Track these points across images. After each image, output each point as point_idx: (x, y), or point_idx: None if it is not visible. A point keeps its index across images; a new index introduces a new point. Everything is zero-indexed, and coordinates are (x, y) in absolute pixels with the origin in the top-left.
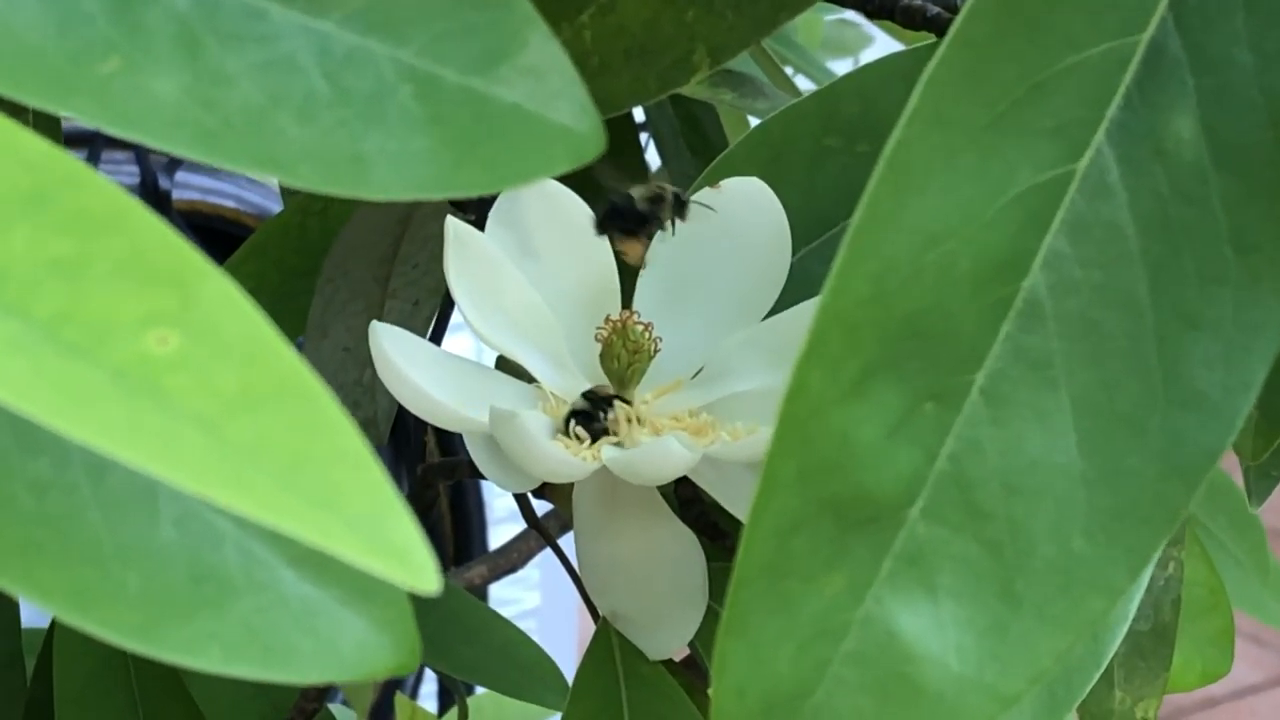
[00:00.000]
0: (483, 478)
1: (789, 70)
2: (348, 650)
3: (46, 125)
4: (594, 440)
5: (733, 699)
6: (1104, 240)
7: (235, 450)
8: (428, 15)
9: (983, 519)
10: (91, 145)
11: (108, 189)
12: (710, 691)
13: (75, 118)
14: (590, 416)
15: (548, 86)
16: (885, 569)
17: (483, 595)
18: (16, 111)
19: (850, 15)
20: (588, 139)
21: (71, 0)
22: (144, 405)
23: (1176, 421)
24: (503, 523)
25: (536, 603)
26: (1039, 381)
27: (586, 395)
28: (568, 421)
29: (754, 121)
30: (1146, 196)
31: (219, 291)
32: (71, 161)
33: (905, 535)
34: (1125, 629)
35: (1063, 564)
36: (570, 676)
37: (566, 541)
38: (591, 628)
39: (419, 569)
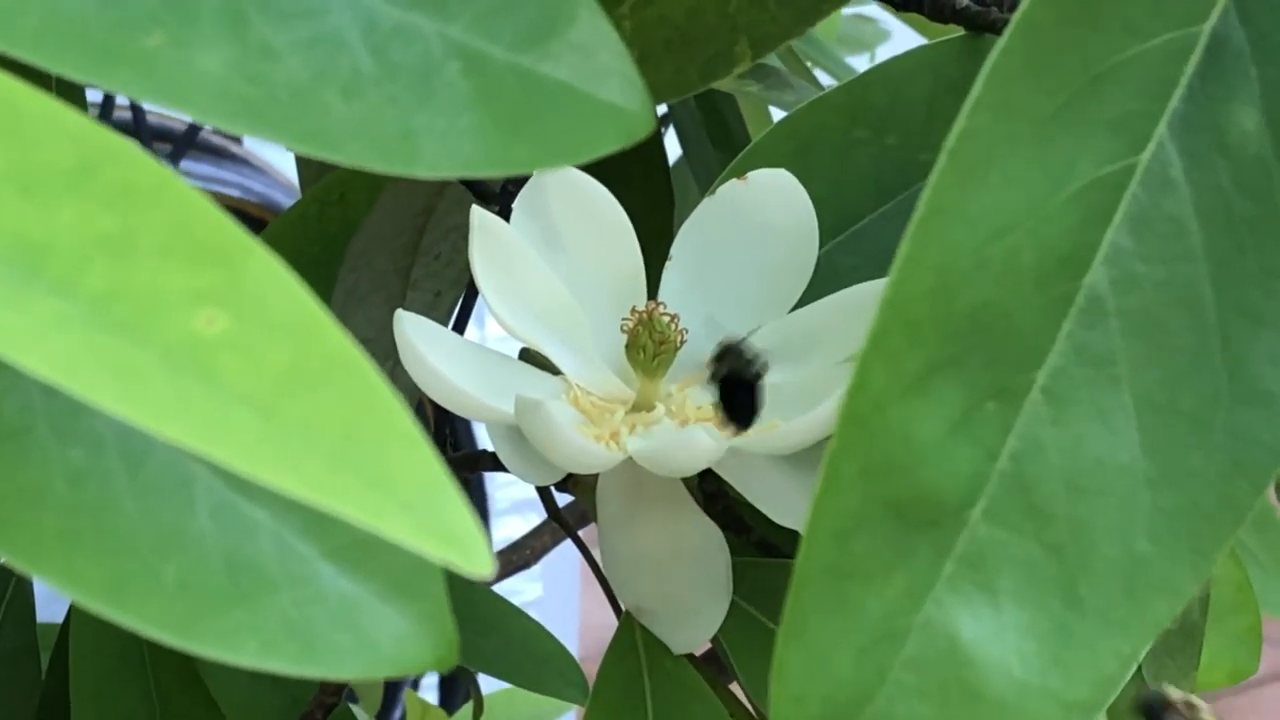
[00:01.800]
0: (504, 470)
1: (807, 64)
2: (387, 645)
3: (71, 97)
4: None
5: (792, 705)
6: (1166, 235)
7: (286, 431)
8: None
9: (1044, 520)
10: None
11: (150, 164)
12: (769, 693)
13: (119, 92)
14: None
15: (597, 63)
16: (946, 572)
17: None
18: (40, 83)
19: (867, 10)
20: (637, 117)
21: None
22: (193, 385)
23: (1241, 419)
24: (504, 514)
25: (539, 594)
26: (1101, 380)
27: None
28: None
29: (776, 114)
30: (1209, 190)
31: (266, 269)
32: (113, 135)
33: (966, 537)
34: None
35: (1126, 566)
36: None
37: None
38: (593, 621)
39: (473, 553)
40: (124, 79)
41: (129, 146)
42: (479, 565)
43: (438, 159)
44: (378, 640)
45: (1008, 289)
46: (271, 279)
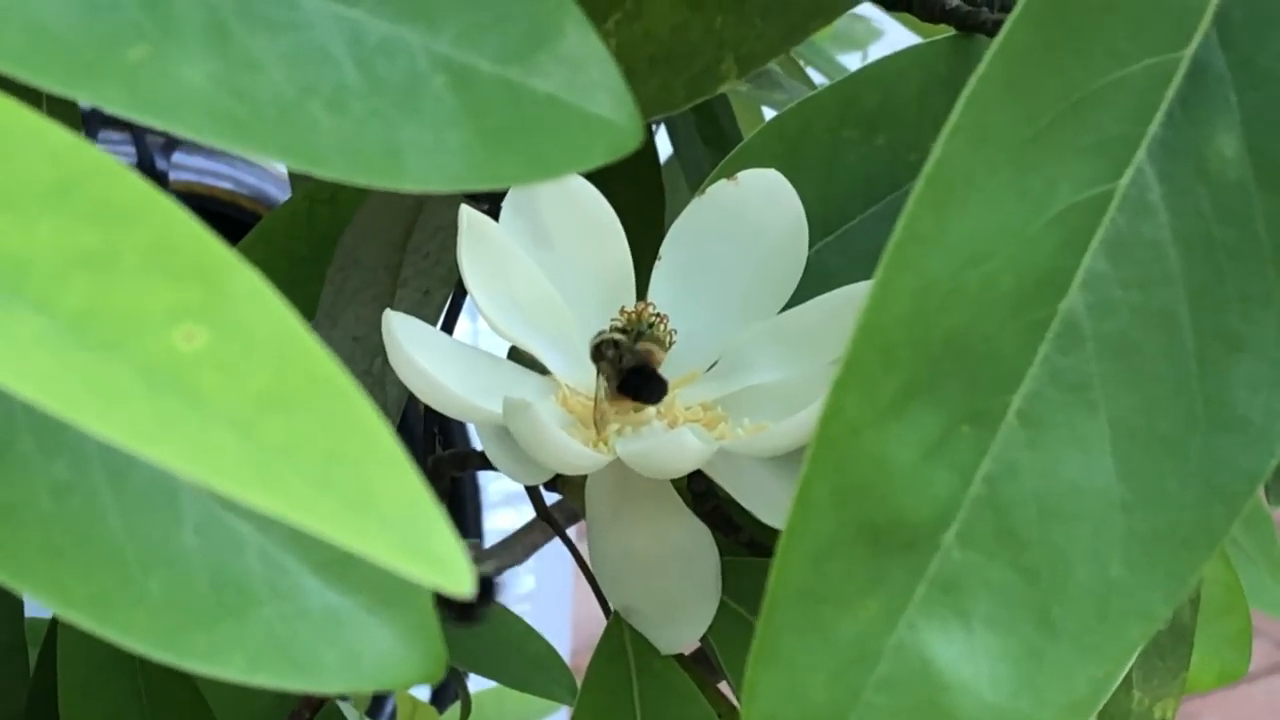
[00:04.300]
0: (493, 469)
1: (800, 63)
2: (372, 660)
3: (64, 113)
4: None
5: None
6: (1144, 260)
7: (266, 450)
8: (461, 3)
9: (1019, 545)
10: (87, 125)
11: (132, 180)
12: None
13: (102, 106)
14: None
15: (585, 77)
16: (919, 595)
17: None
18: (32, 97)
19: (860, 9)
20: (626, 131)
21: None
22: (172, 403)
23: (1217, 444)
24: (497, 507)
25: (531, 587)
26: (1077, 404)
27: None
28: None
29: (768, 112)
30: (1188, 216)
31: (248, 286)
32: (95, 151)
33: (940, 561)
34: None
35: (1100, 591)
36: (566, 660)
37: (573, 532)
38: (586, 613)
39: (454, 573)
40: (107, 93)
41: (110, 163)
42: (458, 585)
43: (424, 173)
44: (363, 655)
45: (984, 314)
46: (253, 296)
